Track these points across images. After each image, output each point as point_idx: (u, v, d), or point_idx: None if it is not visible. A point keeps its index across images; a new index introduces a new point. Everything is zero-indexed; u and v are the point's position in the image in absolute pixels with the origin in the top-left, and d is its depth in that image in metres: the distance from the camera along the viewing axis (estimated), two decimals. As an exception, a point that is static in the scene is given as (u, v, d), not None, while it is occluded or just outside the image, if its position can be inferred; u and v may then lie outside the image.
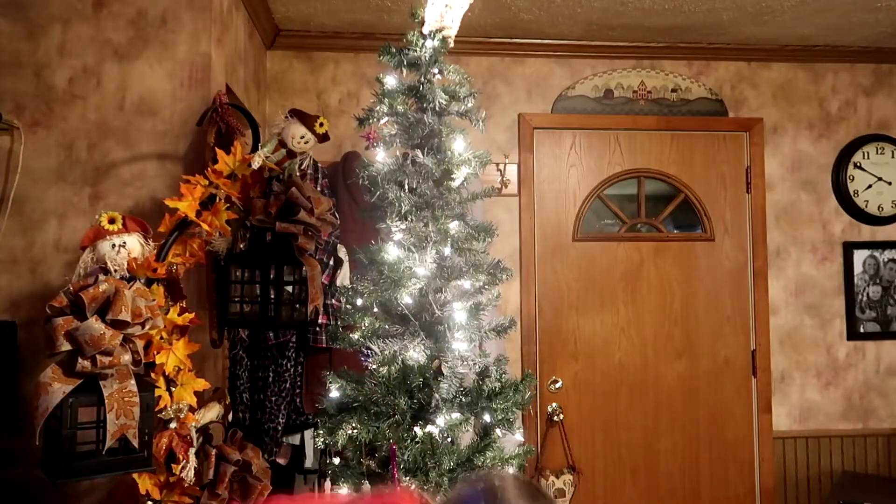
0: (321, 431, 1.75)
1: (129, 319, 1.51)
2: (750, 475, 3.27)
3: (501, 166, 3.20)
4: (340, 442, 1.69)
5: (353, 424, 1.68)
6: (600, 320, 3.26)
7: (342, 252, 2.56)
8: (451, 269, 1.74)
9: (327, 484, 1.76)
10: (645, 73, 3.35)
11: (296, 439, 2.53)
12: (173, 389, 1.71)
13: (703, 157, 3.34)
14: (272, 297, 1.92)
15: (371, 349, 1.73)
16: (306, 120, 1.99)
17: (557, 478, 3.10)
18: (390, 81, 1.77)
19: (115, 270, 1.64)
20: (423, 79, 1.76)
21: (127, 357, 1.53)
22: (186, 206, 1.78)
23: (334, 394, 1.77)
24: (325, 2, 2.82)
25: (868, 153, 3.41)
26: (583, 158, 3.30)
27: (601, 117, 3.32)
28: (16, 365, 1.99)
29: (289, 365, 2.46)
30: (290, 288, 1.91)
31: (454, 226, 1.75)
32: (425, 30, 1.76)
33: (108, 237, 1.68)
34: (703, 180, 3.34)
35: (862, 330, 3.37)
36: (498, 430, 1.78)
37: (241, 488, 1.81)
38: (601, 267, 3.28)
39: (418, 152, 1.75)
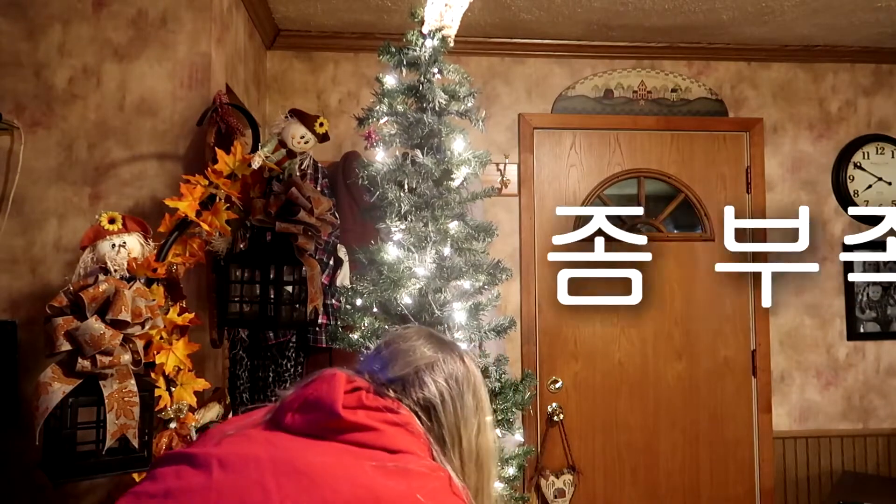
0: (321, 431, 1.74)
1: (129, 319, 1.51)
2: (750, 475, 3.27)
3: (501, 166, 3.20)
4: (340, 442, 1.68)
5: (353, 424, 1.67)
6: (600, 320, 3.26)
7: (342, 252, 2.56)
8: (450, 269, 1.73)
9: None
10: (645, 73, 3.35)
11: (296, 439, 2.53)
12: (173, 389, 1.71)
13: (703, 157, 3.34)
14: (272, 297, 1.92)
15: (371, 349, 1.73)
16: (306, 120, 1.99)
17: (557, 478, 3.10)
18: (390, 81, 1.77)
19: (115, 270, 1.64)
20: (422, 78, 1.76)
21: (127, 357, 1.53)
22: (186, 206, 1.78)
23: (334, 394, 1.77)
24: (325, 2, 2.82)
25: (868, 153, 3.41)
26: (583, 158, 3.30)
27: (601, 117, 3.32)
28: (16, 365, 1.99)
29: (289, 365, 2.46)
30: (289, 288, 1.91)
31: (454, 226, 1.75)
32: (425, 29, 1.76)
33: (108, 237, 1.68)
34: (703, 180, 3.34)
35: (862, 330, 3.37)
36: (498, 430, 1.78)
37: (240, 488, 1.81)
38: (601, 267, 3.27)
39: (418, 152, 1.75)
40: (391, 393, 1.03)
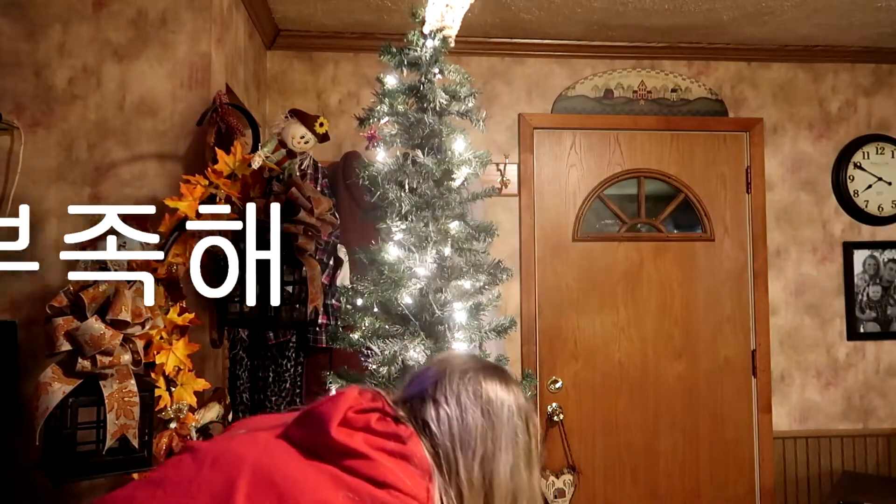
0: (321, 431, 1.74)
1: (129, 319, 1.51)
2: (750, 475, 3.27)
3: (501, 166, 3.20)
4: (340, 442, 1.68)
5: (354, 424, 1.67)
6: (600, 320, 3.26)
7: (342, 252, 2.56)
8: (451, 269, 1.73)
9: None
10: (645, 73, 3.35)
11: (296, 439, 2.53)
12: (173, 389, 1.71)
13: (703, 157, 3.34)
14: (272, 297, 1.91)
15: (371, 349, 1.73)
16: (306, 120, 1.99)
17: (557, 478, 3.10)
18: (391, 81, 1.77)
19: (115, 270, 1.64)
20: (423, 78, 1.76)
21: (127, 357, 1.53)
22: (186, 206, 1.78)
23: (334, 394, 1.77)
24: (325, 2, 2.82)
25: (868, 153, 3.41)
26: (583, 158, 3.30)
27: (601, 117, 3.32)
28: (16, 365, 1.99)
29: (289, 365, 2.46)
30: (290, 288, 1.91)
31: (454, 226, 1.75)
32: (426, 29, 1.75)
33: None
34: (703, 180, 3.33)
35: (862, 330, 3.37)
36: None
37: (241, 488, 1.81)
38: (601, 267, 3.28)
39: (419, 152, 1.75)
40: (403, 416, 0.98)
